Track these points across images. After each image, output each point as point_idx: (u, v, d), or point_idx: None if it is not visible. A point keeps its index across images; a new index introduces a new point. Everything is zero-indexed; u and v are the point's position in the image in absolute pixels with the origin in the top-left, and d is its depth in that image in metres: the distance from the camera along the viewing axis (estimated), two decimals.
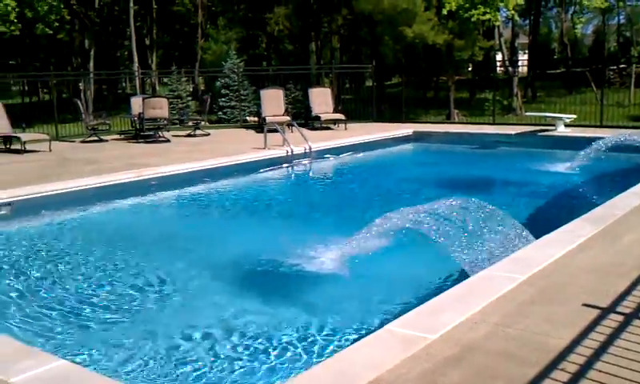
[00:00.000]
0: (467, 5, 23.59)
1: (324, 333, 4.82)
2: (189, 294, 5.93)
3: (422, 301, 4.56)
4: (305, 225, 8.63)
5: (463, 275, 5.77)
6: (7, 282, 6.15)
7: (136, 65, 33.63)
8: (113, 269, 6.58)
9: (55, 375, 3.49)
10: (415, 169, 13.36)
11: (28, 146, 13.96)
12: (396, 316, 4.28)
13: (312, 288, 6.08)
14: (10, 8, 29.45)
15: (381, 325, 4.28)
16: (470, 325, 3.95)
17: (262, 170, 11.98)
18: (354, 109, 21.01)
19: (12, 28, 30.16)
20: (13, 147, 14.47)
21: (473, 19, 23.95)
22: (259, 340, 4.72)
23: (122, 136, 17.19)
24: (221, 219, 9.25)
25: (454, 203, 8.45)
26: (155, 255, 7.12)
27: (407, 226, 7.85)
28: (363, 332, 4.65)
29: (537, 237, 5.94)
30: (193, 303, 5.71)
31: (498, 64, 30.56)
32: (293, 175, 12.71)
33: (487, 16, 23.85)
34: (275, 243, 7.54)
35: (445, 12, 24.16)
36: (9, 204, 8.62)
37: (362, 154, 14.09)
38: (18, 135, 14.23)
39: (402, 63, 26.67)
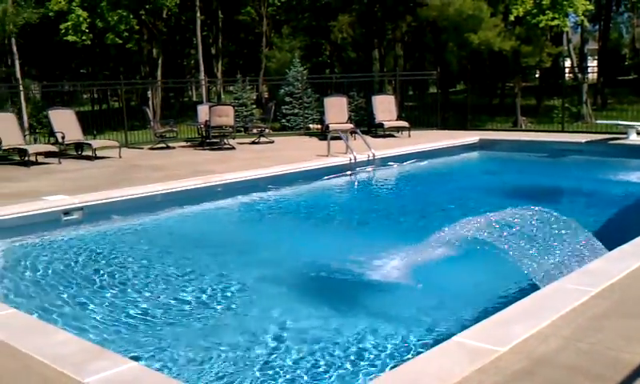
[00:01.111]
0: (535, 10, 23.08)
1: (390, 342, 4.77)
2: (253, 300, 5.97)
3: (490, 312, 4.46)
4: (368, 233, 8.58)
5: (533, 287, 5.63)
6: (79, 284, 6.32)
7: (202, 73, 34.29)
8: (180, 273, 6.69)
9: (127, 378, 3.56)
10: (481, 177, 13.12)
11: (98, 153, 14.39)
12: (464, 327, 4.21)
13: (377, 296, 6.04)
14: (81, 18, 30.54)
15: (448, 336, 4.21)
16: (540, 338, 3.84)
17: (325, 178, 11.99)
18: (417, 116, 20.84)
19: (83, 38, 31.24)
20: (84, 154, 14.94)
21: (541, 25, 23.43)
22: (324, 347, 4.70)
23: (189, 143, 17.53)
24: (285, 226, 9.29)
25: (522, 213, 8.27)
26: (221, 260, 7.18)
27: (474, 235, 7.73)
28: (430, 342, 4.58)
29: (610, 249, 5.73)
30: (257, 309, 5.74)
31: (567, 70, 29.77)
32: (356, 183, 12.68)
33: (556, 22, 23.28)
34: (339, 251, 7.52)
35: (512, 18, 23.71)
36: (80, 209, 8.88)
37: (426, 162, 13.94)
38: (89, 142, 14.69)
39: (467, 70, 26.28)
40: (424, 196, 11.14)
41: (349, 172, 12.55)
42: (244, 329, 5.18)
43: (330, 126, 16.05)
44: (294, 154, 14.00)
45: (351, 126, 16.37)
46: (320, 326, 5.15)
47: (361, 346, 4.72)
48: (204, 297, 5.95)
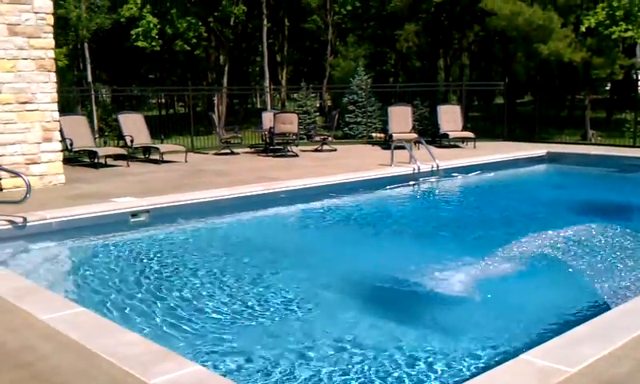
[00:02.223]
0: (608, 21, 22.43)
1: (453, 358, 4.67)
2: (312, 308, 5.94)
3: (559, 331, 4.34)
4: (432, 244, 8.46)
5: (604, 306, 5.45)
6: (145, 285, 6.43)
7: (267, 81, 34.67)
8: (242, 278, 6.74)
9: (192, 380, 3.59)
10: (549, 191, 12.79)
11: (165, 157, 14.68)
12: (531, 345, 4.09)
13: (439, 310, 5.94)
14: (152, 25, 31.34)
15: (515, 353, 4.10)
16: (611, 360, 3.71)
17: (388, 187, 11.91)
18: (482, 127, 20.52)
19: (153, 44, 32.06)
20: (151, 157, 15.28)
21: (613, 36, 22.74)
22: (383, 362, 4.63)
23: (252, 149, 17.70)
24: (347, 235, 9.25)
25: (593, 229, 8.01)
26: (283, 267, 7.21)
27: (542, 250, 7.54)
28: (496, 360, 4.46)
29: None
30: (315, 317, 5.72)
31: None
32: (420, 193, 12.55)
33: (629, 33, 22.55)
34: (401, 261, 7.44)
35: (583, 29, 23.11)
36: (147, 211, 9.06)
37: (492, 174, 13.69)
38: (157, 146, 15.01)
39: (536, 80, 25.76)
40: (489, 209, 10.92)
41: (412, 182, 12.43)
42: (303, 336, 5.16)
43: (394, 135, 15.96)
44: (356, 162, 13.97)
45: (415, 135, 16.24)
46: (380, 338, 5.09)
47: (422, 361, 4.63)
48: (265, 302, 5.96)
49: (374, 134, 21.02)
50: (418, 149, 15.02)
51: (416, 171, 12.50)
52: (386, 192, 11.81)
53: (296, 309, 5.91)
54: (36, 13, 10.48)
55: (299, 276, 6.87)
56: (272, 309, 5.85)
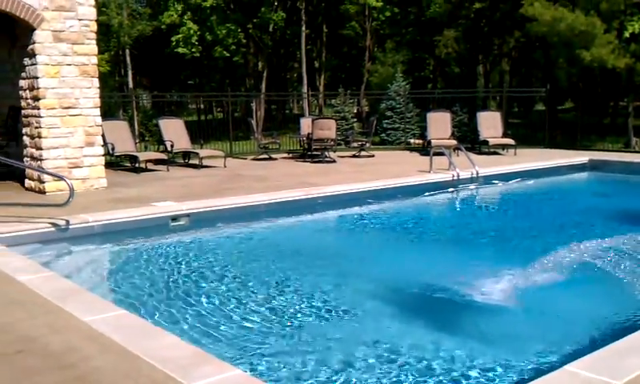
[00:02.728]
0: None
1: (495, 368, 4.60)
2: (351, 314, 5.91)
3: (604, 342, 4.23)
4: (471, 252, 8.36)
5: None
6: (184, 288, 6.48)
7: (305, 87, 34.78)
8: (280, 283, 6.75)
9: None
10: (592, 200, 12.53)
11: (204, 162, 14.81)
12: (574, 356, 4.00)
13: (481, 319, 5.85)
14: (192, 31, 31.72)
15: (558, 364, 4.01)
16: None
17: (427, 194, 11.82)
18: (523, 134, 20.24)
19: (193, 50, 32.44)
20: (191, 162, 15.43)
21: None
22: (422, 369, 4.58)
23: (290, 155, 17.77)
24: (384, 242, 9.21)
25: (638, 239, 7.83)
26: (320, 272, 7.20)
27: (586, 259, 7.40)
28: (539, 370, 4.37)
29: None
30: (355, 323, 5.68)
31: None
32: (459, 200, 12.43)
33: None
34: (439, 269, 7.38)
35: (627, 34, 22.67)
36: (187, 215, 9.14)
37: (532, 182, 13.48)
38: (196, 151, 15.15)
39: (577, 87, 25.31)
40: (530, 217, 10.76)
41: (451, 189, 12.31)
42: (341, 342, 5.14)
43: (433, 141, 15.86)
44: (394, 168, 13.90)
45: (454, 142, 16.10)
46: (418, 345, 5.03)
47: (462, 371, 4.56)
48: (304, 308, 5.96)
49: (412, 140, 20.90)
50: (457, 155, 14.88)
51: (455, 178, 12.38)
52: (425, 199, 11.72)
53: (335, 315, 5.89)
54: (80, 20, 10.68)
55: (338, 282, 6.84)
56: (312, 314, 5.83)
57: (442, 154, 13.22)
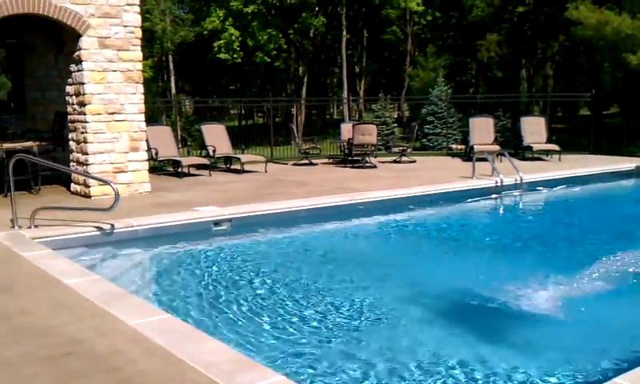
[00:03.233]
0: None
1: (540, 379, 4.50)
2: (393, 321, 5.86)
3: None
4: (514, 260, 8.22)
5: None
6: (227, 293, 6.51)
7: (345, 91, 34.77)
8: (322, 288, 6.73)
9: None
10: (639, 207, 12.23)
11: (245, 167, 14.90)
12: (623, 368, 3.89)
13: (526, 329, 5.73)
14: (234, 37, 31.99)
15: (606, 377, 3.91)
16: None
17: (469, 200, 11.67)
18: (567, 139, 19.89)
19: (234, 56, 32.72)
20: (232, 167, 15.54)
21: None
22: (467, 379, 4.51)
23: (331, 160, 17.77)
24: (426, 248, 9.12)
25: None
26: (362, 279, 7.16)
27: (633, 269, 7.21)
28: (590, 383, 4.27)
29: None
30: (397, 330, 5.63)
31: None
32: (502, 207, 12.25)
33: None
34: (482, 277, 7.27)
35: None
36: (229, 220, 9.19)
37: (578, 188, 13.22)
38: (238, 156, 15.25)
39: (624, 92, 24.75)
40: (575, 224, 10.53)
41: (495, 195, 12.14)
42: (382, 350, 5.09)
43: (475, 146, 15.68)
44: (436, 174, 13.79)
45: (497, 147, 15.90)
46: (461, 355, 4.95)
47: (506, 381, 4.47)
48: (346, 314, 5.93)
49: (453, 146, 20.72)
50: (501, 161, 14.71)
51: (498, 184, 12.20)
52: (468, 205, 11.57)
53: (377, 322, 5.85)
54: (125, 26, 10.85)
55: (381, 288, 6.80)
56: (353, 321, 5.80)
57: (484, 159, 13.06)
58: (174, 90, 36.15)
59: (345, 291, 6.66)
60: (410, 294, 6.60)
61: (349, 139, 16.16)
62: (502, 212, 12.24)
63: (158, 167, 14.86)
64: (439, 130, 21.96)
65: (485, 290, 6.63)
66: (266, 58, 33.08)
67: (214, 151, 14.96)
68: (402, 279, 7.23)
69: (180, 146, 17.17)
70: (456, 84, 34.38)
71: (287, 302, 6.24)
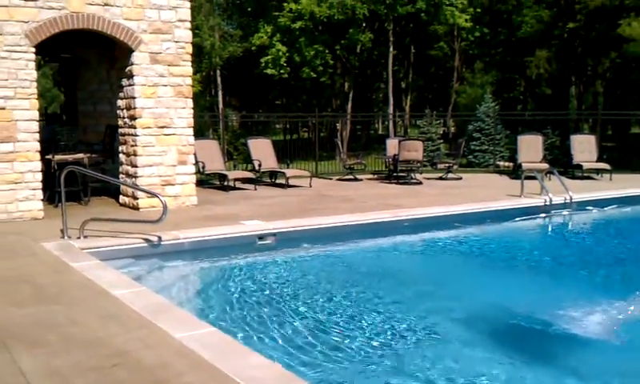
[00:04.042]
0: None
1: None
2: (439, 342, 5.77)
3: None
4: (564, 282, 8.03)
5: None
6: (271, 307, 6.51)
7: (391, 107, 34.70)
8: (366, 305, 6.67)
9: None
10: None
11: (290, 181, 14.95)
12: None
13: (577, 354, 5.58)
14: (281, 53, 32.23)
15: None
16: None
17: (517, 219, 11.46)
18: (618, 158, 19.42)
19: (281, 71, 32.94)
20: (277, 181, 15.62)
21: None
22: None
23: (375, 176, 17.72)
24: (473, 267, 8.97)
25: None
26: (407, 296, 7.09)
27: None
28: None
29: None
30: (442, 351, 5.54)
31: None
32: (551, 226, 12.00)
33: None
34: (530, 299, 7.11)
35: None
36: (274, 234, 9.22)
37: (629, 209, 12.85)
38: (283, 171, 15.32)
39: None
40: (627, 246, 10.24)
41: (543, 214, 11.90)
42: (425, 370, 5.01)
43: (523, 164, 15.44)
44: (483, 192, 13.61)
45: (546, 165, 15.61)
46: (511, 380, 4.84)
47: None
48: (391, 333, 5.86)
49: (500, 163, 20.44)
50: (549, 179, 14.44)
51: (547, 203, 11.96)
52: (516, 224, 11.36)
53: (423, 341, 5.76)
54: (176, 42, 11.04)
55: (426, 307, 6.70)
56: (399, 340, 5.73)
57: (533, 177, 12.83)
58: (221, 105, 36.57)
59: (390, 309, 6.60)
60: (457, 315, 6.50)
61: (394, 155, 16.09)
62: (551, 232, 11.99)
63: (204, 180, 15.02)
64: (486, 147, 21.70)
65: (535, 312, 6.49)
66: (312, 73, 33.21)
67: (259, 165, 15.06)
68: (448, 299, 7.12)
69: (226, 159, 17.34)
70: (503, 100, 33.96)
71: (332, 318, 6.20)
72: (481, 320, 6.38)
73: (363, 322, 6.17)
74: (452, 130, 34.85)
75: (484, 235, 10.78)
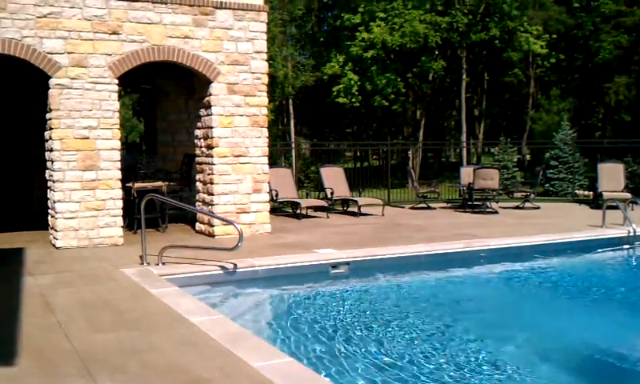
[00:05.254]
0: None
1: None
2: (521, 378, 5.57)
3: None
4: None
5: None
6: (346, 338, 6.44)
7: (464, 134, 34.31)
8: (445, 338, 6.52)
9: None
10: None
11: (362, 209, 14.90)
12: None
13: None
14: (352, 82, 32.44)
15: None
16: None
17: (599, 250, 11.04)
18: None
19: (353, 100, 33.13)
20: (349, 209, 15.59)
21: None
22: None
23: (449, 204, 17.47)
24: (552, 301, 8.65)
25: None
26: (483, 330, 6.89)
27: None
28: None
29: None
30: None
31: None
32: (636, 259, 11.50)
33: None
34: (617, 336, 6.79)
35: None
36: (347, 263, 9.18)
37: None
38: (355, 199, 15.29)
39: None
40: None
41: (627, 246, 11.43)
42: None
43: (604, 193, 14.91)
44: (562, 222, 13.20)
45: (629, 195, 15.04)
46: None
47: None
48: (470, 367, 5.69)
49: (579, 192, 19.82)
50: (632, 209, 13.88)
51: (631, 234, 11.48)
52: (598, 256, 10.95)
53: (504, 377, 5.58)
54: (253, 73, 11.24)
55: (506, 342, 6.50)
56: (478, 375, 5.56)
57: (614, 207, 12.36)
58: (293, 133, 37.02)
59: (467, 341, 6.42)
60: (536, 349, 6.29)
61: (469, 183, 15.84)
62: (635, 264, 11.48)
63: (276, 208, 15.15)
64: (564, 176, 21.13)
65: (619, 348, 6.20)
66: (384, 101, 33.27)
67: (331, 193, 15.08)
68: (528, 332, 6.89)
69: (297, 187, 17.46)
70: (581, 128, 33.06)
71: (408, 350, 6.08)
72: (566, 356, 6.14)
73: (442, 354, 6.01)
74: (527, 157, 34.12)
75: (564, 267, 10.41)
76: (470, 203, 15.92)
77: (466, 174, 16.84)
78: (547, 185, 21.21)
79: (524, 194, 17.07)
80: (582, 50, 35.20)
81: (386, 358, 5.83)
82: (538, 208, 16.27)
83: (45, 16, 9.73)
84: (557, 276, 9.98)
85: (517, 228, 12.37)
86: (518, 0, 31.93)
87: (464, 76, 34.52)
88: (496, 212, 15.29)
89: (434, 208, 16.59)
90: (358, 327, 6.89)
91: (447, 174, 32.03)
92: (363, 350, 6.04)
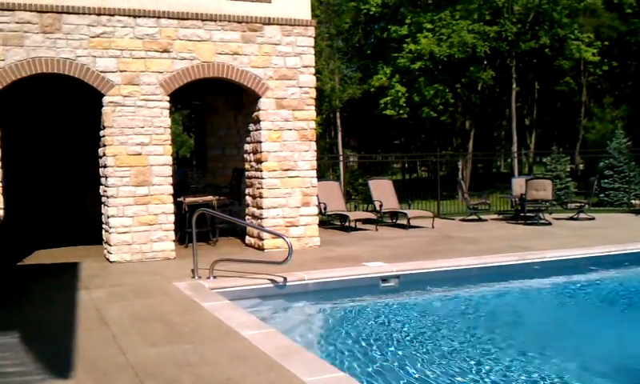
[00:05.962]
0: None
1: None
2: None
3: None
4: None
5: None
6: (398, 352, 6.37)
7: (515, 145, 33.78)
8: (500, 353, 6.38)
9: None
10: None
11: (411, 222, 14.77)
12: None
13: None
14: (400, 93, 32.29)
15: None
16: None
17: None
18: None
19: (401, 111, 32.95)
20: (398, 222, 15.49)
21: None
22: None
23: (500, 216, 17.19)
24: (613, 315, 8.39)
25: None
26: (540, 346, 6.71)
27: None
28: None
29: None
30: None
31: None
32: None
33: None
34: None
35: None
36: (397, 276, 9.10)
37: None
38: (404, 211, 15.18)
39: None
40: None
41: None
42: None
43: None
44: (619, 232, 12.84)
45: None
46: None
47: None
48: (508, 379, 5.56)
49: (635, 202, 19.27)
50: None
51: None
52: None
53: None
54: (300, 87, 11.30)
55: (566, 358, 6.32)
56: None
57: None
58: (340, 146, 37.02)
59: (527, 358, 6.27)
60: (596, 366, 6.09)
61: (521, 194, 15.56)
62: None
63: (325, 221, 15.15)
64: (618, 185, 20.57)
65: None
66: (432, 112, 33.00)
67: (380, 206, 15.01)
68: (587, 349, 6.69)
69: (345, 200, 17.44)
70: (635, 136, 32.13)
71: (462, 366, 5.97)
72: (628, 374, 5.94)
73: (498, 371, 5.88)
74: (580, 167, 33.39)
75: (623, 280, 10.11)
76: (522, 215, 15.62)
77: (518, 184, 16.56)
78: (602, 195, 20.67)
79: (578, 204, 16.67)
80: (635, 56, 34.32)
81: (442, 376, 5.74)
82: (593, 219, 15.87)
83: (98, 36, 9.98)
84: (615, 288, 9.68)
85: (572, 239, 12.09)
86: (568, 7, 31.31)
87: (514, 85, 33.99)
88: (549, 223, 14.97)
89: (485, 220, 16.35)
90: (410, 342, 6.80)
91: (498, 184, 31.53)
92: (416, 367, 5.94)
